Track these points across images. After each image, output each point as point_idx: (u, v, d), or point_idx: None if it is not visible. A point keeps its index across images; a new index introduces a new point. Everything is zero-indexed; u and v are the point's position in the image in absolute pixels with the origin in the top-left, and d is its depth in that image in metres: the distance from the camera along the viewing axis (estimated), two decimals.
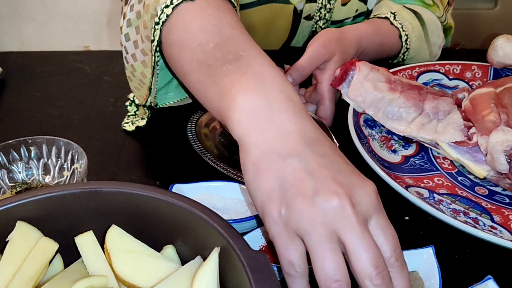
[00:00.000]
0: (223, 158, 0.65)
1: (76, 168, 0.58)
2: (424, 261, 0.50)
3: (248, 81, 0.44)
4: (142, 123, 0.70)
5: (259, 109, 0.43)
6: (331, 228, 0.39)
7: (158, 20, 0.53)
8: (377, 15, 0.86)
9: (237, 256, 0.40)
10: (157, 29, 0.53)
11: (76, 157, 0.58)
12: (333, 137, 0.65)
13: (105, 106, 0.76)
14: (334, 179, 0.40)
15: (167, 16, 0.52)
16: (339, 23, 0.93)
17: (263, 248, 0.53)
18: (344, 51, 0.73)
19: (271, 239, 0.42)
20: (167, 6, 0.52)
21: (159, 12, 0.52)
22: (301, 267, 0.41)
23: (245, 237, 0.53)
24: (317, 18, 0.91)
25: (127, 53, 0.62)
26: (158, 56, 0.58)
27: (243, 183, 0.60)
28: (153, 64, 0.59)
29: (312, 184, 0.40)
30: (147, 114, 0.71)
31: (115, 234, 0.44)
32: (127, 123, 0.71)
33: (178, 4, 0.52)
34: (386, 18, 0.85)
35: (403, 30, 0.85)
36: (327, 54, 0.71)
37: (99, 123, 0.72)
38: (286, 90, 0.44)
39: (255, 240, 0.54)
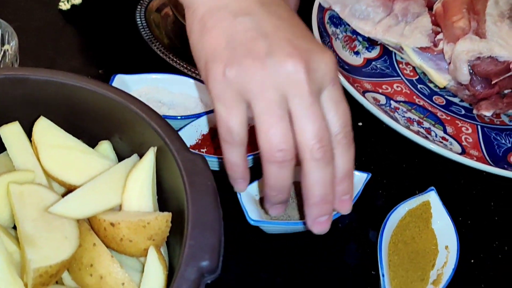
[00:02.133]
0: (174, 49, 0.60)
1: (7, 50, 0.52)
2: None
3: None
4: (77, 1, 0.63)
5: None
6: (281, 93, 0.35)
7: None
8: None
9: (173, 157, 0.37)
10: None
11: (6, 37, 0.52)
12: None
13: None
14: (290, 41, 0.36)
15: None
16: None
17: (199, 142, 0.51)
18: None
19: (213, 102, 0.38)
20: None
21: None
22: (240, 135, 0.38)
23: (181, 131, 0.50)
24: None
25: None
26: None
27: (194, 77, 0.56)
28: None
29: (265, 45, 0.35)
30: None
31: (44, 126, 0.41)
32: (62, 1, 0.63)
33: None
34: None
35: None
36: None
37: (37, 1, 0.64)
38: None
39: (191, 134, 0.51)
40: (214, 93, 0.37)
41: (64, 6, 0.63)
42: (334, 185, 0.38)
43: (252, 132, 0.53)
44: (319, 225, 0.39)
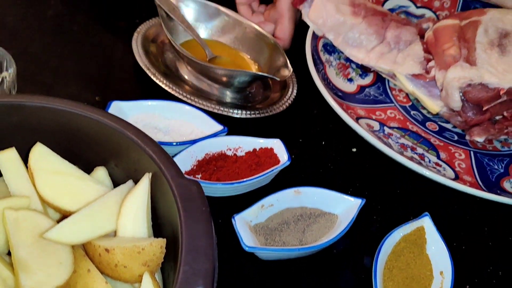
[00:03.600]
0: (170, 75, 0.61)
1: (5, 77, 0.53)
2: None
3: None
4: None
5: None
6: None
7: None
8: None
9: (168, 184, 0.37)
10: None
11: (4, 64, 0.53)
12: (288, 62, 0.62)
13: (45, 7, 0.69)
14: None
15: None
16: None
17: (194, 167, 0.52)
18: None
19: None
20: None
21: None
22: None
23: (176, 157, 0.50)
24: None
25: None
26: None
27: (189, 104, 0.57)
28: None
29: None
30: None
31: (40, 153, 0.41)
32: None
33: None
34: None
35: None
36: None
37: (36, 28, 0.65)
38: None
39: (186, 160, 0.52)
40: None
41: None
42: None
43: (249, 158, 0.53)
44: None
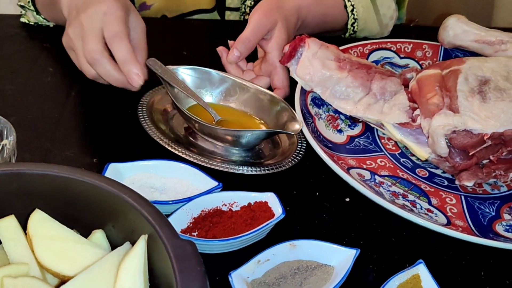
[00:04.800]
0: (176, 139, 0.62)
1: (5, 144, 0.54)
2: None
3: None
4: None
5: None
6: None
7: None
8: None
9: (163, 245, 0.38)
10: None
11: (4, 132, 0.55)
12: (295, 115, 0.63)
13: (42, 77, 0.72)
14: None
15: None
16: None
17: (190, 225, 0.53)
18: (286, 19, 0.72)
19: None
20: None
21: None
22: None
23: (172, 216, 0.51)
24: None
25: None
26: None
27: (187, 162, 0.58)
28: None
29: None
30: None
31: (39, 219, 0.42)
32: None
33: None
34: None
35: (348, 0, 0.83)
36: (269, 23, 0.70)
37: (34, 95, 0.68)
38: None
39: (182, 218, 0.53)
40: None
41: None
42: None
43: (244, 213, 0.54)
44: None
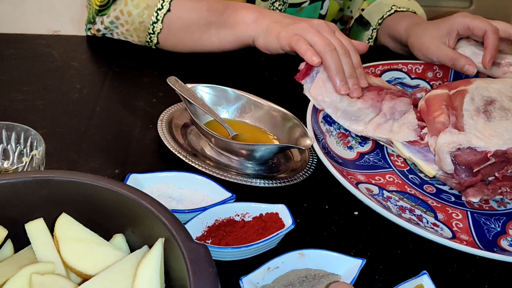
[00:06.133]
0: (193, 154, 0.66)
1: (35, 155, 0.59)
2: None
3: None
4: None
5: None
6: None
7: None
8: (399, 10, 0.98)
9: (178, 248, 0.41)
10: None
11: (34, 143, 0.59)
12: (307, 131, 0.66)
13: (70, 93, 0.76)
14: (295, 20, 0.77)
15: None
16: (296, 6, 0.94)
17: (205, 233, 0.55)
18: None
19: (294, 47, 0.72)
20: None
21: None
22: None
23: (188, 224, 0.54)
24: None
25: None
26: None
27: (202, 174, 0.61)
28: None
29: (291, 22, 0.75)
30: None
31: (65, 222, 0.46)
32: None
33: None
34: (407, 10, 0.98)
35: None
36: None
37: (63, 110, 0.73)
38: None
39: (197, 226, 0.56)
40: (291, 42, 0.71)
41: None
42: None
43: (256, 223, 0.57)
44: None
